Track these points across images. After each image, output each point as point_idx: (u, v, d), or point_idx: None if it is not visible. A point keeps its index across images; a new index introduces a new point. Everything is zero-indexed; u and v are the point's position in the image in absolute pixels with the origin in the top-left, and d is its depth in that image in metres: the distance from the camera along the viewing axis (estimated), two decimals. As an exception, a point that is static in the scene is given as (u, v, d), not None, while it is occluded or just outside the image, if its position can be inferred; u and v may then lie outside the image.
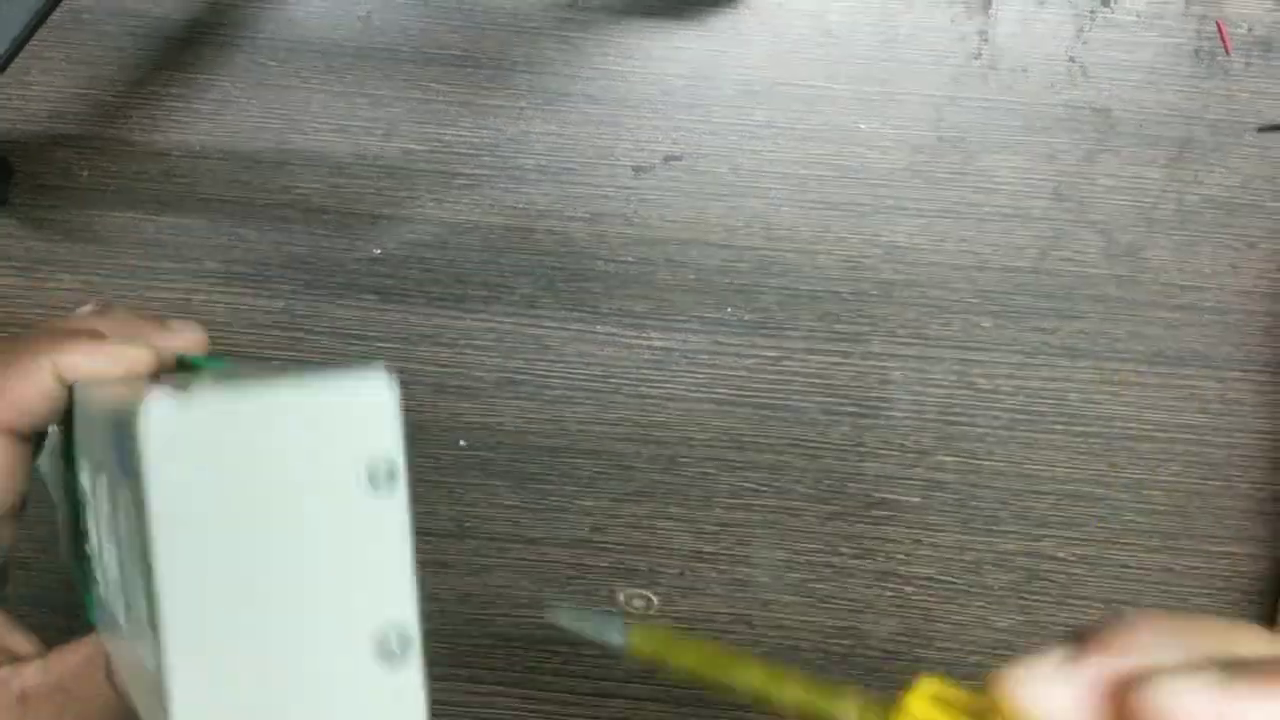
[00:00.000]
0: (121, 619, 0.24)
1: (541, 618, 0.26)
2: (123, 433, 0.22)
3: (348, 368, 0.22)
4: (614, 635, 0.22)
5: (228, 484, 0.20)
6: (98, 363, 0.31)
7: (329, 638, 0.21)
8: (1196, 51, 0.46)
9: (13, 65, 0.40)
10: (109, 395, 0.26)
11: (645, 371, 0.47)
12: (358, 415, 0.21)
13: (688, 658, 0.22)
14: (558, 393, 0.46)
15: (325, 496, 0.21)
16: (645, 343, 0.47)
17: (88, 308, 0.35)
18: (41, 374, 0.30)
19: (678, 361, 0.47)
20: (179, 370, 0.32)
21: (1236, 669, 0.17)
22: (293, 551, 0.21)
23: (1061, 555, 0.47)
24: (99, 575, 0.27)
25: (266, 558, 0.21)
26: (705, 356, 0.47)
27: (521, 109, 0.46)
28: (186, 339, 0.34)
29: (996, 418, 0.47)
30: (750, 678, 0.21)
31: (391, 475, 0.21)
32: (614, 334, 0.47)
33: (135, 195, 0.47)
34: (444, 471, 0.47)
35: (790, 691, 0.20)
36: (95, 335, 0.31)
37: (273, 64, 0.47)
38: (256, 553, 0.21)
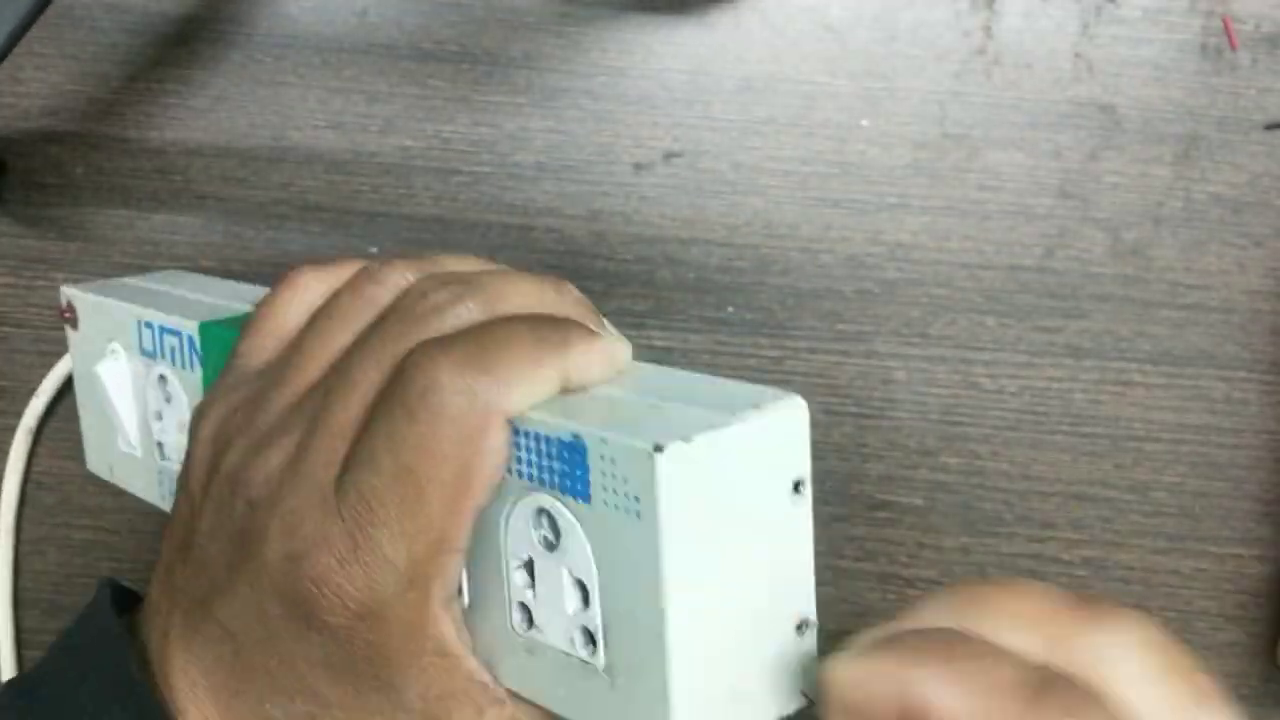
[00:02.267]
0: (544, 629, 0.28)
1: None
2: (577, 455, 0.25)
3: (761, 391, 0.26)
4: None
5: (711, 511, 0.24)
6: (603, 371, 0.28)
7: (773, 626, 0.26)
8: (1203, 48, 0.46)
9: (6, 62, 0.40)
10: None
11: (645, 371, 0.46)
12: (788, 438, 0.26)
13: None
14: (556, 392, 0.46)
15: (770, 509, 0.25)
16: (645, 342, 0.46)
17: (549, 287, 0.31)
18: (547, 377, 0.27)
19: (678, 361, 0.46)
20: None
21: (881, 644, 0.21)
22: (752, 559, 0.25)
23: (1066, 557, 0.46)
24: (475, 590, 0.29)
25: (737, 568, 0.25)
26: (706, 356, 0.46)
27: (520, 105, 0.46)
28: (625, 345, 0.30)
29: (1001, 418, 0.46)
30: None
31: (806, 485, 0.26)
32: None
33: (130, 192, 0.47)
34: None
35: None
36: (588, 329, 0.29)
37: (268, 60, 0.46)
38: (730, 565, 0.25)
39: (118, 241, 0.47)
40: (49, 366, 0.47)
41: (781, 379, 0.46)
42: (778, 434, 0.25)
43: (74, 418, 0.47)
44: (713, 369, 0.46)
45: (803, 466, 0.26)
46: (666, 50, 0.46)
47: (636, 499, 0.24)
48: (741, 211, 0.46)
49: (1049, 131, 0.46)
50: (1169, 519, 0.46)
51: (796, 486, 0.26)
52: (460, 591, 0.28)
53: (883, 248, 0.46)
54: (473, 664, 0.28)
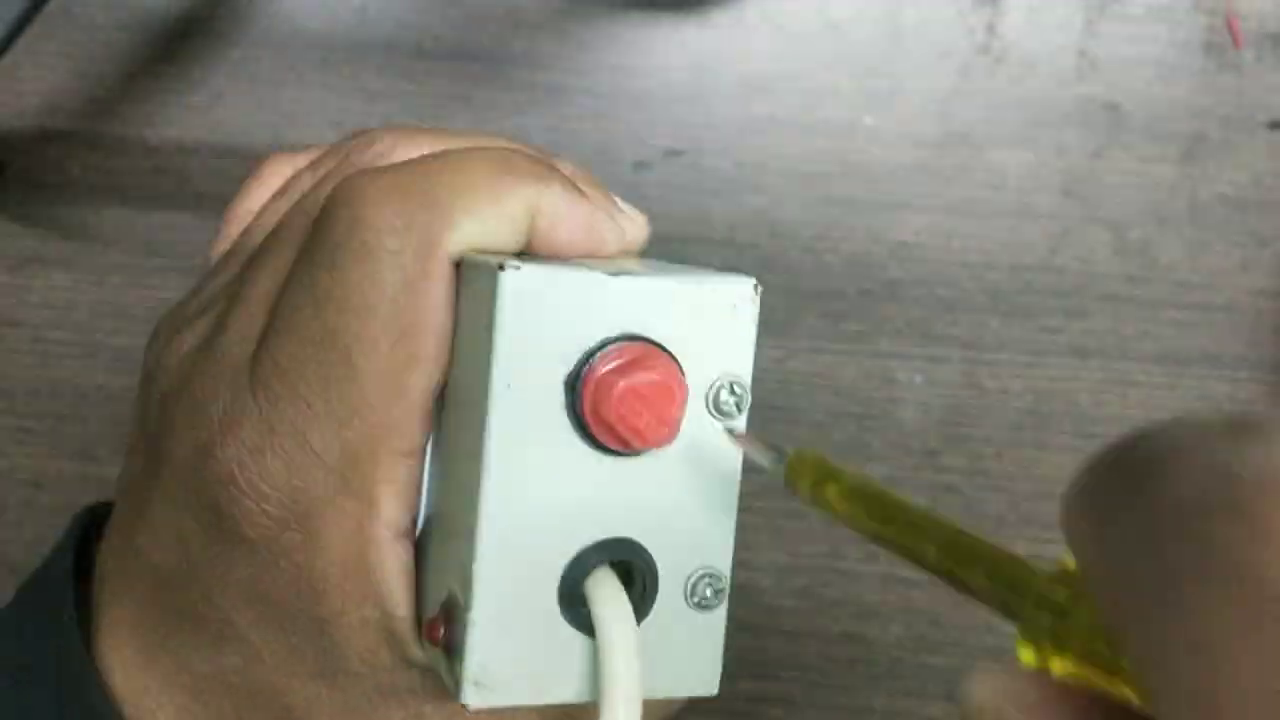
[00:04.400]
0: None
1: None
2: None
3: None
4: (773, 457, 0.21)
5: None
6: (584, 237, 0.22)
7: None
8: (1207, 46, 0.46)
9: (3, 60, 0.39)
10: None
11: (646, 371, 0.46)
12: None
13: (852, 503, 0.19)
14: (557, 393, 0.46)
15: None
16: (646, 342, 0.46)
17: (509, 145, 0.25)
18: (508, 214, 0.21)
19: (679, 361, 0.46)
20: None
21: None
22: None
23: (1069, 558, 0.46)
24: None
25: None
26: (707, 356, 0.46)
27: (520, 103, 0.46)
28: (636, 230, 0.25)
29: (1005, 418, 0.46)
30: (926, 552, 0.17)
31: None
32: (614, 333, 0.46)
33: (127, 191, 0.47)
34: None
35: (972, 576, 0.17)
36: (573, 184, 0.23)
37: (267, 58, 0.46)
38: None
39: (115, 240, 0.47)
40: (46, 366, 0.47)
41: (783, 379, 0.46)
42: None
43: (73, 418, 0.47)
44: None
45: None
46: (668, 48, 0.46)
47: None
48: (743, 210, 0.46)
49: (1053, 130, 0.46)
50: (1173, 520, 0.46)
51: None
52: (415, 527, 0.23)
53: (885, 247, 0.46)
54: (417, 652, 0.22)
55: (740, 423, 0.22)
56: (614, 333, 0.21)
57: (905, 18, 0.45)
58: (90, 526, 0.27)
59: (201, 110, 0.46)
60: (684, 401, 0.21)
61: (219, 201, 0.46)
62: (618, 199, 0.26)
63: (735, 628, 0.25)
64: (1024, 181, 0.46)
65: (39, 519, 0.48)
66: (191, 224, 0.46)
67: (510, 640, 0.21)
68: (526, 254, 0.22)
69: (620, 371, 0.21)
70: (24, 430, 0.48)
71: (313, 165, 0.26)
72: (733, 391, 0.22)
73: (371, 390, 0.21)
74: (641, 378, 0.20)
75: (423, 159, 0.22)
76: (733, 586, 0.24)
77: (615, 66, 0.46)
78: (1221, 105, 0.46)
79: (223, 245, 0.28)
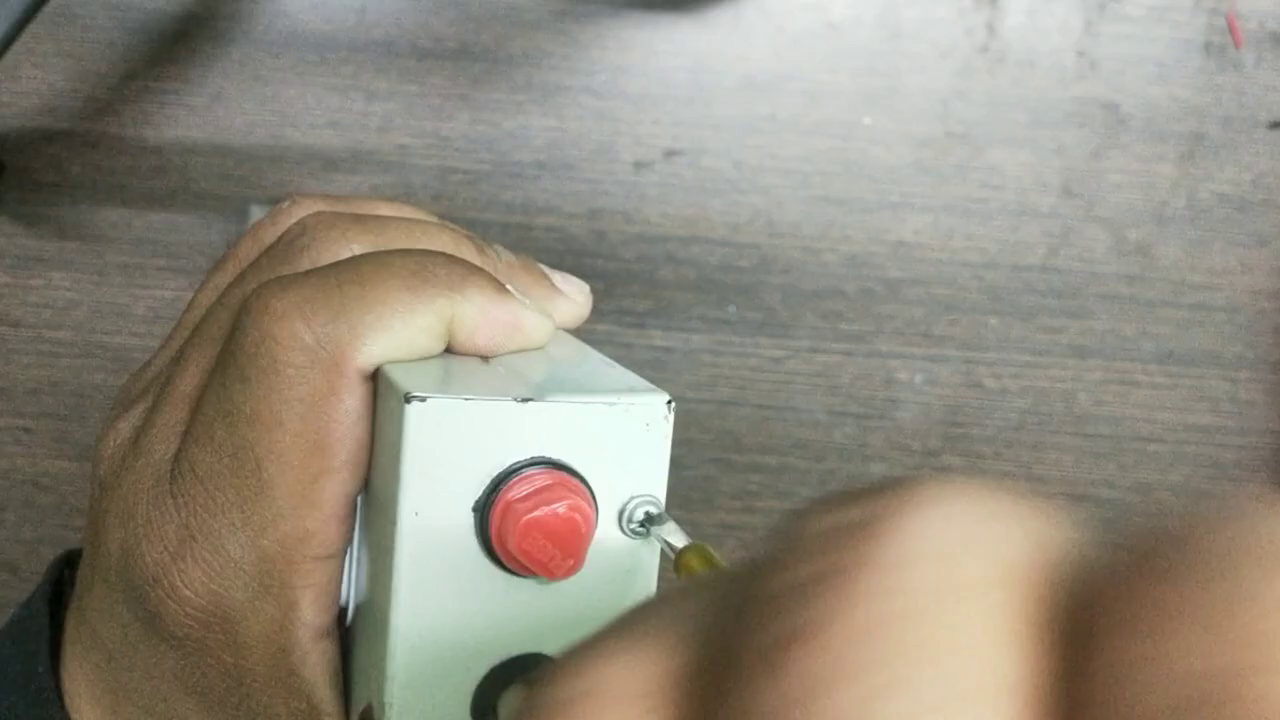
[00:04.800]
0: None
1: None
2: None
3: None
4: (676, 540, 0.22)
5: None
6: (507, 336, 0.23)
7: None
8: (1207, 46, 0.46)
9: (4, 60, 0.39)
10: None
11: (646, 371, 0.46)
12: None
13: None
14: (557, 392, 0.46)
15: None
16: (646, 342, 0.46)
17: (470, 243, 0.25)
18: (421, 325, 0.22)
19: (679, 361, 0.46)
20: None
21: None
22: None
23: (1070, 558, 0.46)
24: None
25: None
26: (707, 356, 0.46)
27: (519, 103, 0.46)
28: (575, 309, 0.25)
29: (1004, 418, 0.46)
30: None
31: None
32: (614, 333, 0.46)
33: (127, 191, 0.46)
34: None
35: None
36: (496, 282, 0.23)
37: (266, 58, 0.46)
38: None
39: (115, 240, 0.47)
40: (47, 366, 0.47)
41: (783, 379, 0.46)
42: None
43: (73, 418, 0.47)
44: (714, 368, 0.46)
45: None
46: (667, 47, 0.46)
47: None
48: (743, 210, 0.46)
49: (1052, 129, 0.45)
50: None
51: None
52: (345, 618, 0.23)
53: (885, 247, 0.46)
54: None
55: (658, 535, 0.22)
56: (524, 458, 0.21)
57: (905, 17, 0.45)
58: (63, 574, 0.28)
59: (201, 110, 0.46)
60: (591, 533, 0.21)
61: (219, 201, 0.46)
62: (558, 276, 0.26)
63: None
64: (1023, 181, 0.45)
65: (39, 519, 0.48)
66: (191, 224, 0.46)
67: None
68: (450, 351, 0.23)
69: (527, 502, 0.20)
70: (24, 430, 0.48)
71: (252, 232, 0.26)
72: (645, 510, 0.22)
73: (285, 502, 0.21)
74: (548, 511, 0.20)
75: (335, 269, 0.22)
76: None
77: (615, 66, 0.46)
78: (1221, 105, 0.46)
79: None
